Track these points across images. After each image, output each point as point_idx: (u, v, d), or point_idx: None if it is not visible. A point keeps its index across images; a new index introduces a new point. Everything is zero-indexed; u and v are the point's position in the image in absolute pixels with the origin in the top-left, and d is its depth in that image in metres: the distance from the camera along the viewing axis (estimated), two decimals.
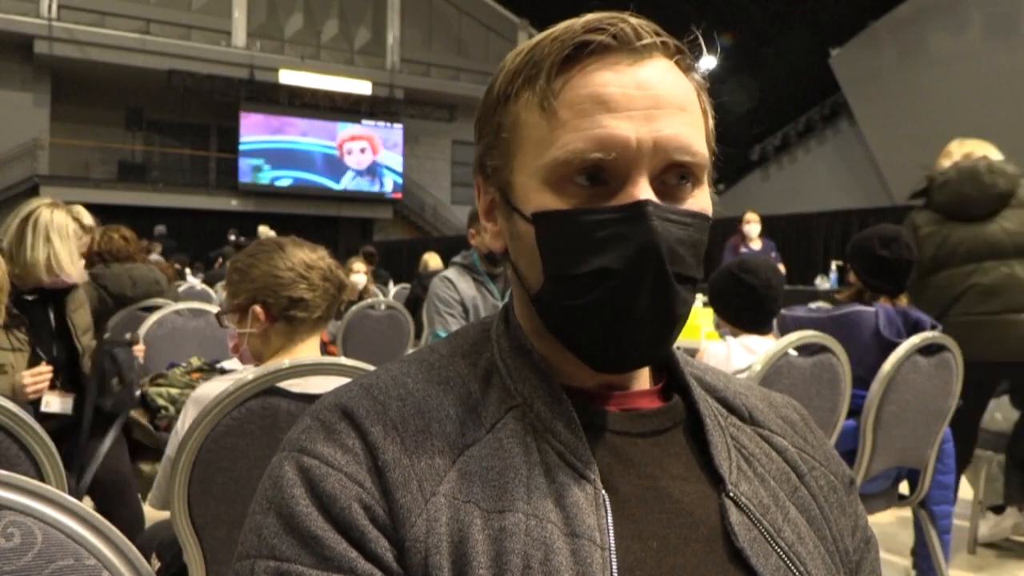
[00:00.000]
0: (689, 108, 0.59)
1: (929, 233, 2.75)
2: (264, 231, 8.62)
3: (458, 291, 2.81)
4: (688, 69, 0.61)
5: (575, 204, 0.57)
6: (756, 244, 6.37)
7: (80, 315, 2.33)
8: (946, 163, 2.83)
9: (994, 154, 2.81)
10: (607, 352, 0.58)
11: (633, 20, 0.59)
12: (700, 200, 0.60)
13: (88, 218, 2.31)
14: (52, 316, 2.26)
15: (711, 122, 0.63)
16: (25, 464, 1.29)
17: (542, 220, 0.58)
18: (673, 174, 0.58)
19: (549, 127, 0.58)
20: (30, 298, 2.23)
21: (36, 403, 2.17)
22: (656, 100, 0.57)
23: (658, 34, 0.59)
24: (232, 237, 10.23)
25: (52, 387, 2.22)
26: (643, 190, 0.56)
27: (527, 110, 0.59)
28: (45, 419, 2.14)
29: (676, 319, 0.58)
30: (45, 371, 2.08)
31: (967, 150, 2.85)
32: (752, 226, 6.38)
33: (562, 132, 0.57)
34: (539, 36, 0.61)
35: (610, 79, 0.57)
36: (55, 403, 2.15)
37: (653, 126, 0.56)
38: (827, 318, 2.38)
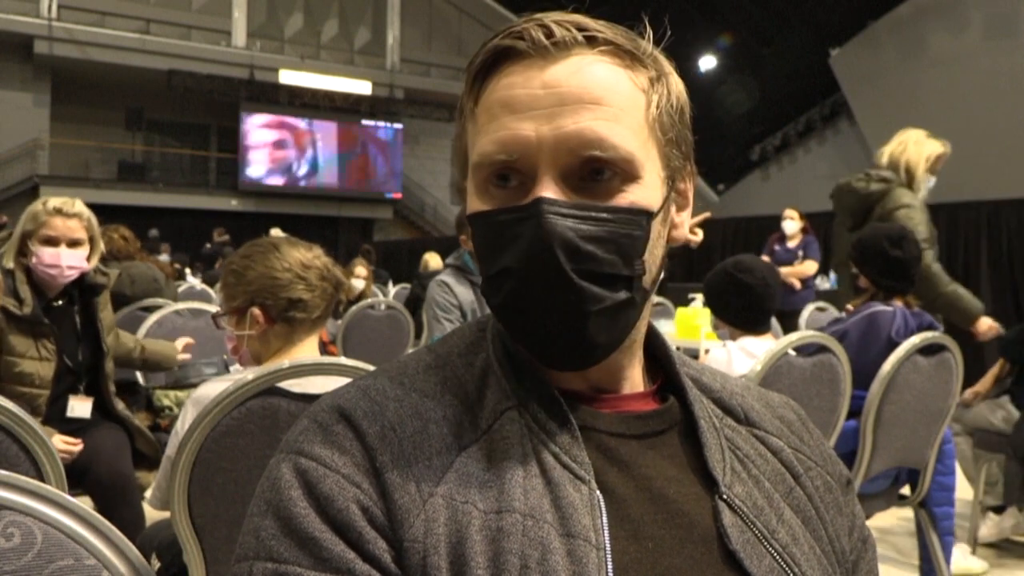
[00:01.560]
0: (608, 101, 0.57)
1: (839, 232, 3.16)
2: (276, 233, 8.57)
3: (456, 296, 2.81)
4: (630, 61, 0.59)
5: (494, 205, 0.59)
6: (794, 242, 5.67)
7: (107, 314, 2.33)
8: (898, 155, 3.09)
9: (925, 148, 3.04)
10: (536, 348, 0.59)
11: (552, 17, 0.58)
12: (633, 195, 0.58)
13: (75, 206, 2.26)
14: (78, 319, 2.25)
15: (661, 110, 0.60)
16: (25, 464, 1.29)
17: (472, 223, 0.61)
18: (589, 169, 0.57)
19: (472, 133, 0.61)
20: (58, 303, 2.22)
21: (63, 407, 2.18)
22: (560, 97, 0.56)
23: (581, 28, 0.58)
24: (216, 236, 9.88)
25: (75, 391, 2.23)
26: (544, 187, 0.56)
27: (467, 118, 0.62)
28: (69, 422, 2.15)
29: (587, 315, 0.56)
30: (76, 444, 2.06)
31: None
32: (789, 223, 5.67)
33: (477, 137, 0.60)
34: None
35: (517, 81, 0.58)
36: (79, 408, 2.16)
37: (555, 123, 0.56)
38: (851, 322, 2.36)
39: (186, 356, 2.59)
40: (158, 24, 18.75)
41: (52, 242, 2.13)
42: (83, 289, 2.26)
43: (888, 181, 3.02)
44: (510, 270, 0.57)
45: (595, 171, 0.57)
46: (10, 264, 2.13)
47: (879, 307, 2.36)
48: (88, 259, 2.21)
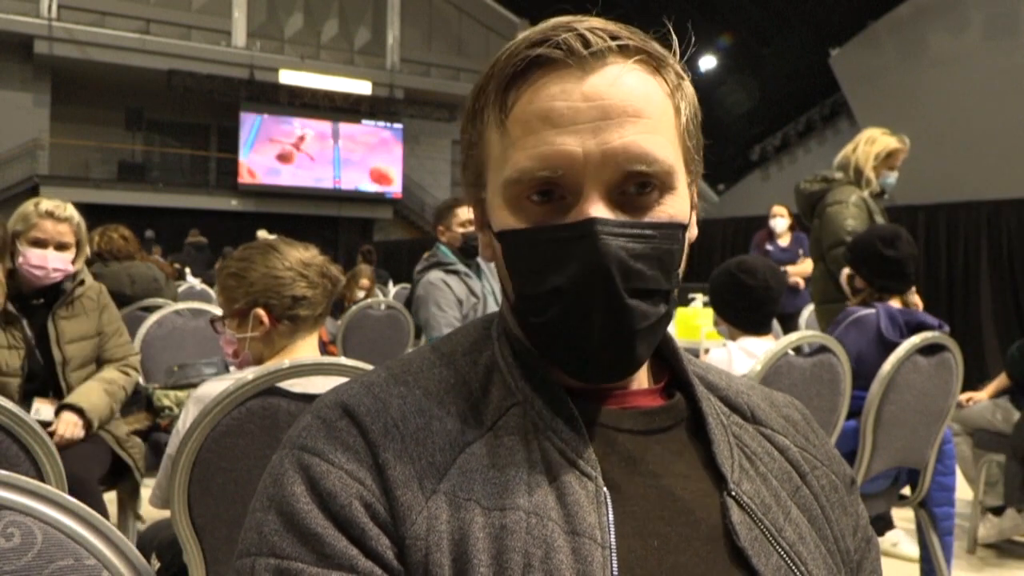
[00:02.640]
0: (647, 113, 0.57)
1: None
2: (263, 235, 8.54)
3: (453, 291, 2.80)
4: (657, 67, 0.59)
5: (532, 222, 0.57)
6: (784, 240, 5.52)
7: (74, 324, 2.24)
8: (850, 154, 3.16)
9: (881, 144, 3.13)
10: (577, 366, 0.59)
11: (584, 25, 0.57)
12: (670, 207, 0.58)
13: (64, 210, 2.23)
14: (49, 322, 2.23)
15: (686, 118, 0.61)
16: (25, 464, 1.29)
17: (505, 239, 0.59)
18: (633, 184, 0.57)
19: (503, 145, 0.58)
20: (34, 302, 2.21)
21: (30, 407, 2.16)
22: (604, 111, 0.55)
23: (614, 37, 0.57)
24: (191, 237, 9.57)
25: (44, 394, 2.21)
26: (594, 206, 0.55)
27: (489, 128, 0.60)
28: (43, 424, 2.14)
29: (636, 334, 0.57)
30: (75, 423, 2.05)
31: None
32: (778, 220, 5.52)
33: (512, 151, 0.57)
34: (501, 50, 0.60)
35: (556, 93, 0.56)
36: (43, 411, 2.14)
37: (601, 138, 0.55)
38: (836, 333, 2.37)
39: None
40: (158, 24, 18.75)
41: (40, 244, 2.14)
42: (47, 291, 2.21)
43: (830, 180, 3.15)
44: (562, 290, 0.56)
45: (639, 185, 0.57)
46: (8, 264, 2.12)
47: (860, 311, 2.36)
48: (73, 262, 2.22)
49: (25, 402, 2.15)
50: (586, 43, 0.56)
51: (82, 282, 2.27)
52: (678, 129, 0.60)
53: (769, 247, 5.56)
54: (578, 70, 0.56)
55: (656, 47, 0.59)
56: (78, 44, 17.34)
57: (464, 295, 2.82)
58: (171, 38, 18.56)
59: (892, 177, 3.15)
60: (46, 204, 2.18)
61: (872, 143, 3.13)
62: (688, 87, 0.62)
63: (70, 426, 2.07)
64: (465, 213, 2.96)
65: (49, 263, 2.14)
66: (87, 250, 2.31)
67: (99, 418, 2.13)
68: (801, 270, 5.18)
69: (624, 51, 0.57)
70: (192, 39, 19.03)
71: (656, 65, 0.59)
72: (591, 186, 0.56)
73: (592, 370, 0.59)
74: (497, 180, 0.59)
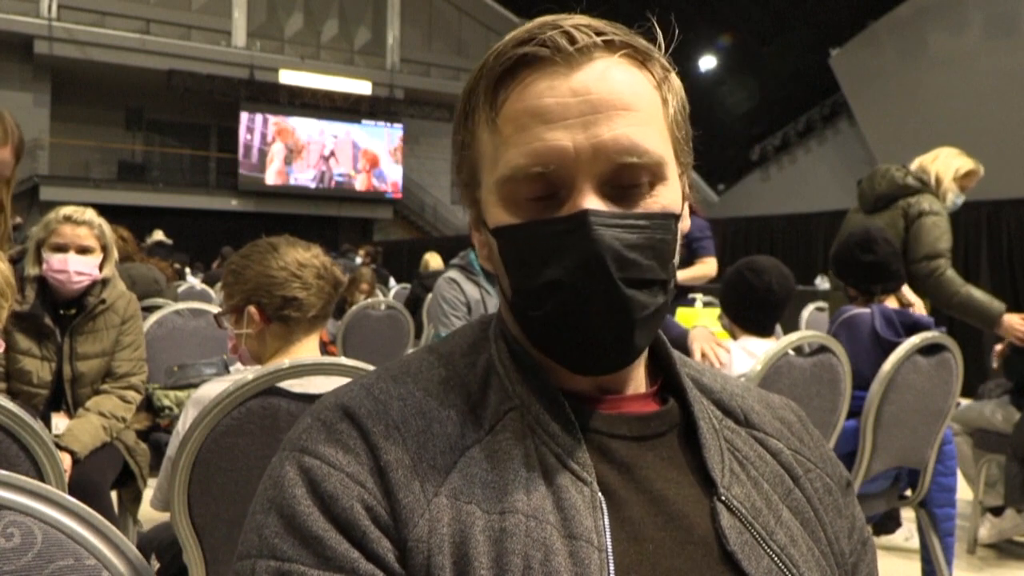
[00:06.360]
0: (635, 105, 0.57)
1: (847, 217, 3.24)
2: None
3: (464, 292, 2.83)
4: (643, 61, 0.60)
5: (527, 218, 0.58)
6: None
7: (91, 340, 2.24)
8: (929, 164, 3.05)
9: (958, 163, 3.04)
10: (577, 358, 0.59)
11: (569, 22, 0.58)
12: (662, 197, 0.59)
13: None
14: (66, 337, 2.24)
15: (674, 109, 0.61)
16: (25, 464, 1.29)
17: (501, 234, 0.59)
18: (626, 175, 0.57)
19: (494, 144, 0.59)
20: (68, 312, 2.23)
21: (49, 418, 2.18)
22: (592, 105, 0.56)
23: (599, 33, 0.58)
24: (158, 236, 9.41)
25: (59, 408, 2.23)
26: (586, 199, 0.56)
27: (480, 128, 0.61)
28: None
29: (634, 323, 0.57)
30: (66, 468, 1.96)
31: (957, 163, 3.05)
32: None
33: (504, 148, 0.58)
34: (490, 50, 0.61)
35: (544, 90, 0.57)
36: (60, 424, 2.16)
37: (591, 132, 0.56)
38: (829, 326, 2.38)
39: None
40: (158, 24, 18.76)
41: (61, 249, 2.17)
42: (77, 302, 2.23)
43: (924, 182, 3.02)
44: (559, 283, 0.56)
45: (630, 177, 0.57)
46: (35, 271, 2.17)
47: (853, 311, 2.36)
48: (101, 267, 2.23)
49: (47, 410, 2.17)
50: (572, 40, 0.57)
51: (103, 300, 2.25)
52: (667, 120, 0.60)
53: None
54: (565, 67, 0.57)
55: (641, 41, 0.60)
56: (78, 44, 17.35)
57: (475, 301, 2.86)
58: (171, 38, 18.58)
59: (961, 198, 3.08)
60: (65, 210, 2.22)
61: (955, 157, 3.05)
62: (675, 80, 0.62)
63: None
64: None
65: (70, 266, 2.15)
66: (115, 255, 2.31)
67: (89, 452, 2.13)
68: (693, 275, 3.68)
69: (610, 46, 0.58)
70: (192, 39, 19.05)
71: (642, 59, 0.60)
72: (583, 180, 0.56)
73: (591, 361, 0.59)
74: (491, 179, 0.60)
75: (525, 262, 0.58)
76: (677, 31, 0.61)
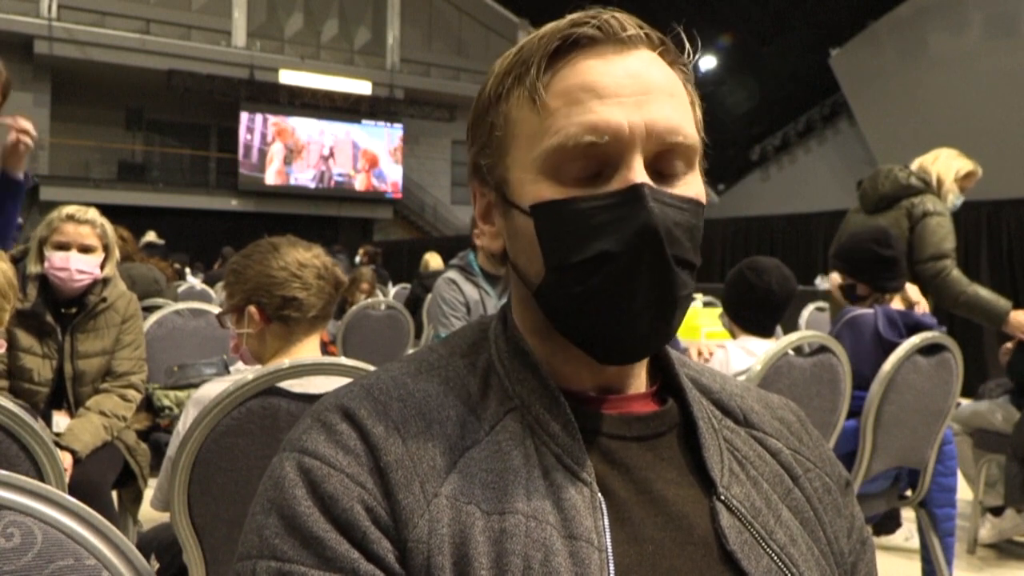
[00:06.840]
0: (676, 95, 0.60)
1: (847, 218, 3.25)
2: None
3: (463, 293, 2.83)
4: (673, 61, 0.62)
5: (572, 193, 0.58)
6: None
7: (92, 339, 2.25)
8: (929, 165, 3.06)
9: (959, 165, 3.05)
10: (611, 339, 0.59)
11: (617, 14, 0.60)
12: (693, 185, 0.60)
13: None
14: (67, 335, 2.25)
15: (699, 112, 0.63)
16: (25, 464, 1.29)
17: (540, 211, 0.59)
18: (666, 159, 0.59)
19: (540, 118, 0.59)
20: (69, 311, 2.24)
21: (50, 417, 2.19)
22: (645, 86, 0.58)
23: (641, 27, 0.60)
24: (150, 237, 9.43)
25: (60, 407, 2.24)
26: (639, 173, 0.56)
27: (518, 107, 0.60)
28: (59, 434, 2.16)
29: (676, 301, 0.58)
30: (67, 467, 1.97)
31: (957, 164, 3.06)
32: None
33: (553, 121, 0.58)
34: (526, 38, 0.62)
35: (598, 67, 0.58)
36: (62, 423, 2.17)
37: (644, 110, 0.57)
38: (835, 333, 2.37)
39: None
40: (158, 24, 18.76)
41: (63, 247, 2.18)
42: (78, 301, 2.24)
43: (927, 183, 3.02)
44: (609, 254, 0.56)
45: (669, 163, 0.59)
46: (37, 269, 2.18)
47: (856, 311, 2.36)
48: (102, 267, 2.24)
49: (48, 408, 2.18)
50: (623, 27, 0.59)
51: (104, 299, 2.27)
52: (695, 118, 0.62)
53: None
54: (615, 50, 0.59)
55: (671, 44, 0.63)
56: (78, 44, 17.35)
57: (474, 301, 2.85)
58: (171, 38, 18.58)
59: (961, 199, 3.08)
60: (68, 208, 2.24)
61: (955, 158, 3.06)
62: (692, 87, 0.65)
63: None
64: None
65: (72, 265, 2.16)
66: (116, 254, 2.32)
67: (90, 451, 2.13)
68: None
69: (649, 41, 0.61)
70: (192, 39, 19.05)
71: (674, 59, 0.62)
72: (633, 157, 0.57)
73: (624, 343, 0.59)
74: (530, 155, 0.59)
75: (570, 237, 0.57)
76: (699, 43, 0.64)
